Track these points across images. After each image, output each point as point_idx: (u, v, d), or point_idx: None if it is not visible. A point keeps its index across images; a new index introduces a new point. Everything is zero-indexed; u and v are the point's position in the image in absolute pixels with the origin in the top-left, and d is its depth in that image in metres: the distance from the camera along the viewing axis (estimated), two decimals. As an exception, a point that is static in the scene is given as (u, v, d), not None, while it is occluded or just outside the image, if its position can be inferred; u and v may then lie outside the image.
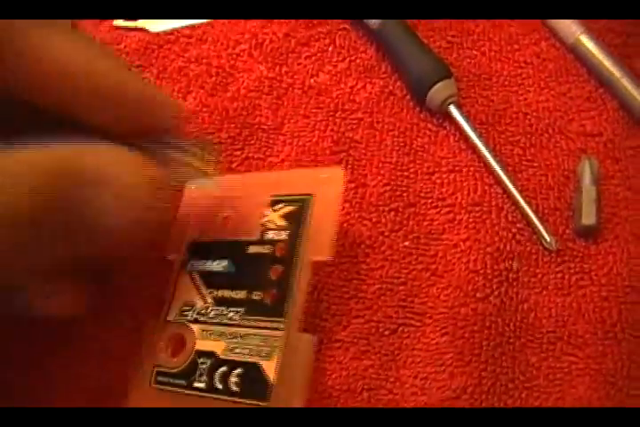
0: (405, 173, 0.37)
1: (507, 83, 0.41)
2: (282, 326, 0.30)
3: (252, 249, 0.33)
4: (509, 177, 0.37)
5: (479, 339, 0.33)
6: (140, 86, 0.27)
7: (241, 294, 0.32)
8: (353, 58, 0.41)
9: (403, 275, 0.35)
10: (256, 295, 0.32)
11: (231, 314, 0.32)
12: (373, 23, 0.41)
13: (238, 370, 0.30)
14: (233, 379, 0.30)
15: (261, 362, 0.30)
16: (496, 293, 0.34)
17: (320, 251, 0.31)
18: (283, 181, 0.34)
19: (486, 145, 0.38)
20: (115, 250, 0.28)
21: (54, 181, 0.23)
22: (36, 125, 0.25)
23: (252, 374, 0.30)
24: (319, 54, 0.41)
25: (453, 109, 0.38)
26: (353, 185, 0.37)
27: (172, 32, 0.43)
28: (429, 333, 0.33)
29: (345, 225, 0.36)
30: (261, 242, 0.33)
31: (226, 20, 0.43)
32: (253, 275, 0.32)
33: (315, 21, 0.43)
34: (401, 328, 0.34)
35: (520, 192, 0.37)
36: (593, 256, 0.36)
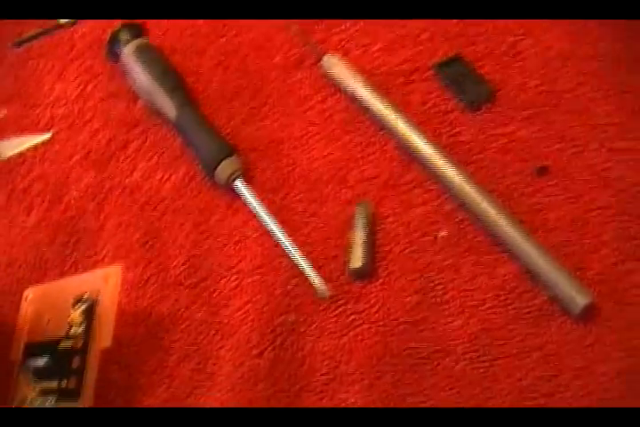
0: (201, 251, 0.46)
1: (296, 144, 0.49)
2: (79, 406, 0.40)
3: (62, 344, 0.43)
4: (289, 236, 0.44)
5: (260, 391, 0.41)
6: None
7: (54, 384, 0.42)
8: (162, 151, 0.50)
9: (198, 341, 0.43)
10: (64, 383, 0.42)
11: (48, 403, 0.42)
12: (172, 116, 0.49)
13: None
14: None
15: None
16: (270, 347, 0.42)
17: (105, 340, 0.42)
18: (82, 281, 0.44)
19: (269, 211, 0.45)
20: None
21: None
22: None
23: None
24: (134, 154, 0.51)
25: (238, 184, 0.47)
26: (155, 270, 0.45)
27: (19, 155, 0.54)
28: (217, 392, 0.41)
29: (148, 307, 0.44)
30: (68, 337, 0.43)
31: (64, 135, 0.53)
32: (63, 366, 0.42)
33: (131, 123, 0.52)
34: (195, 390, 0.42)
35: (299, 248, 0.44)
36: (366, 296, 0.42)
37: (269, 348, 0.42)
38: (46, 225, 0.51)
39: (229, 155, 0.47)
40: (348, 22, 0.53)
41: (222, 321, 0.43)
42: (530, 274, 0.42)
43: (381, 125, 0.48)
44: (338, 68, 0.50)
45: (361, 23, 0.53)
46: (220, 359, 0.42)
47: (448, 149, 0.46)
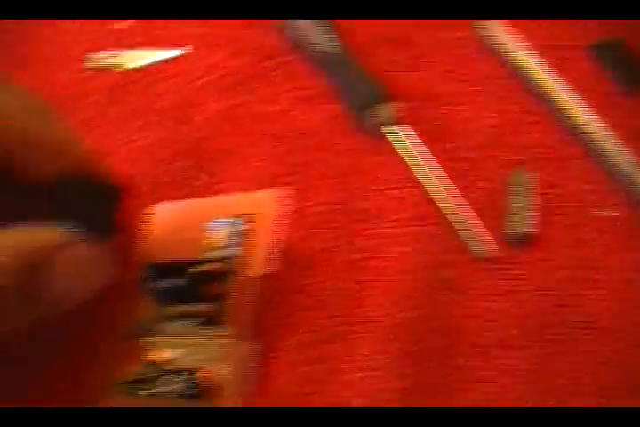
0: (349, 193, 0.44)
1: (451, 101, 0.47)
2: (228, 334, 0.38)
3: (203, 267, 0.40)
4: (446, 190, 0.43)
5: (413, 344, 0.39)
6: (54, 132, 0.34)
7: (194, 308, 0.39)
8: (304, 86, 0.48)
9: (347, 286, 0.41)
10: (208, 308, 0.39)
11: (185, 327, 0.39)
12: (324, 49, 0.47)
13: (192, 375, 0.38)
14: (185, 384, 0.37)
15: (211, 368, 0.37)
16: (430, 301, 0.40)
17: (261, 265, 0.39)
18: (228, 204, 0.42)
19: (424, 161, 0.44)
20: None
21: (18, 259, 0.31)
22: None
23: (204, 380, 0.37)
24: (273, 84, 0.49)
25: (391, 130, 0.45)
26: (299, 206, 0.43)
27: (143, 68, 0.51)
28: (366, 339, 0.40)
29: (297, 243, 0.42)
30: (209, 260, 0.40)
31: (197, 55, 0.50)
32: (205, 290, 0.39)
33: (273, 52, 0.49)
34: (342, 335, 0.40)
35: (456, 204, 0.43)
36: (526, 262, 0.42)
37: (429, 301, 0.40)
38: (169, 144, 0.48)
39: (386, 99, 0.45)
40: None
41: (376, 267, 0.42)
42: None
43: (541, 96, 0.47)
44: (497, 32, 0.49)
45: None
46: (370, 307, 0.41)
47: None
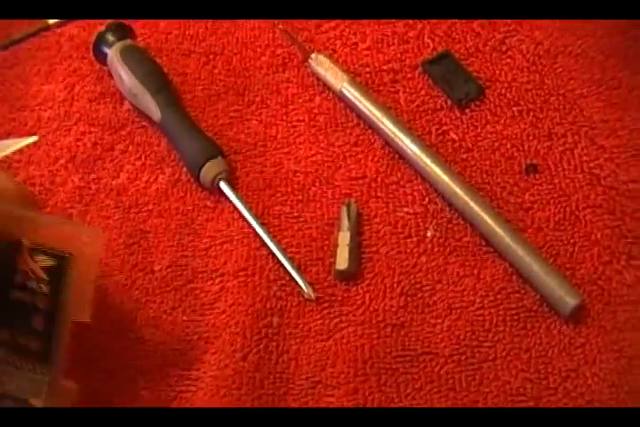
0: (185, 253, 0.45)
1: (282, 144, 0.48)
2: (47, 371, 0.37)
3: (15, 294, 0.38)
4: (274, 237, 0.44)
5: (244, 394, 0.41)
6: None
7: (6, 335, 0.38)
8: (148, 153, 0.50)
9: (182, 346, 0.43)
10: (21, 340, 0.38)
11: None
12: (157, 117, 0.49)
13: (9, 402, 0.37)
14: (5, 405, 0.37)
15: (31, 400, 0.37)
16: (255, 350, 0.41)
17: (81, 313, 0.39)
18: (47, 228, 0.40)
19: (253, 212, 0.45)
20: None
21: None
22: None
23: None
24: (120, 156, 0.51)
25: (223, 185, 0.46)
26: (142, 273, 0.45)
27: (3, 159, 0.54)
28: (202, 395, 0.41)
29: (133, 310, 0.44)
30: (23, 289, 0.38)
31: (50, 138, 0.53)
32: (16, 319, 0.38)
33: (117, 126, 0.52)
34: (180, 395, 0.42)
35: (284, 249, 0.44)
36: (352, 298, 0.42)
37: (254, 351, 0.41)
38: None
39: (215, 156, 0.47)
40: (334, 22, 0.53)
41: (207, 324, 0.43)
42: (518, 274, 0.42)
43: (368, 124, 0.48)
44: (325, 66, 0.50)
45: (347, 22, 0.53)
46: (204, 363, 0.42)
47: (436, 148, 0.46)
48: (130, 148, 0.51)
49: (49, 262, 0.38)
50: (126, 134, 0.52)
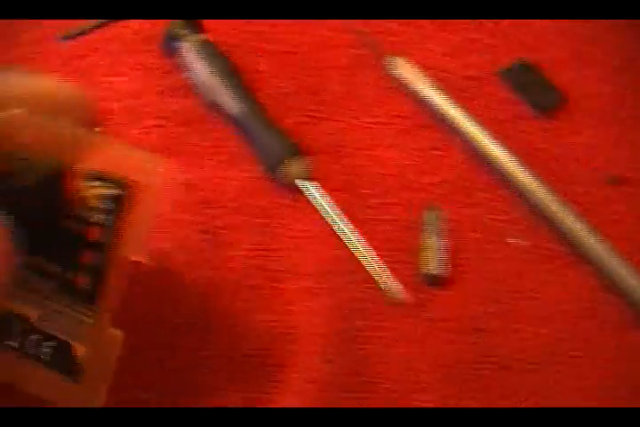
0: (263, 252, 0.45)
1: (361, 146, 0.48)
2: (93, 314, 0.34)
3: (65, 223, 0.34)
4: (359, 239, 0.44)
5: (331, 396, 0.40)
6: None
7: (54, 268, 0.34)
8: (221, 148, 0.50)
9: (262, 346, 0.42)
10: (69, 274, 0.34)
11: (44, 285, 0.34)
12: (234, 113, 0.49)
13: (51, 342, 0.34)
14: (45, 349, 0.34)
15: (73, 343, 0.34)
16: (342, 352, 0.41)
17: (137, 250, 0.33)
18: (105, 152, 0.34)
19: (337, 212, 0.45)
20: None
21: None
22: None
23: (63, 351, 0.34)
24: (192, 151, 0.50)
25: (304, 184, 0.46)
26: (217, 271, 0.45)
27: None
28: (287, 398, 0.41)
29: (209, 307, 0.43)
30: (74, 217, 0.34)
31: (116, 131, 0.53)
32: (64, 251, 0.34)
33: (188, 120, 0.51)
34: (264, 396, 0.41)
35: (370, 251, 0.43)
36: (439, 302, 0.42)
37: (341, 353, 0.41)
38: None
39: (295, 154, 0.47)
40: (408, 25, 0.53)
41: (289, 325, 0.43)
42: (607, 283, 0.42)
43: (450, 129, 0.48)
44: (404, 69, 0.50)
45: (421, 27, 0.53)
46: (287, 365, 0.42)
47: (518, 155, 0.46)
48: (202, 142, 0.51)
49: (105, 190, 0.34)
50: (198, 129, 0.51)
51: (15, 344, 0.35)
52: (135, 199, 0.33)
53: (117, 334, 0.34)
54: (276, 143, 0.47)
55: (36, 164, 0.32)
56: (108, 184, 0.34)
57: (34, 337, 0.35)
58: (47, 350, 0.34)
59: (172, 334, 0.43)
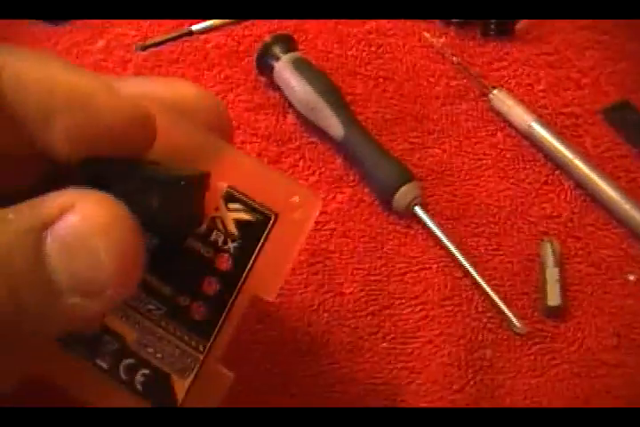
0: (378, 277, 0.44)
1: (468, 177, 0.48)
2: (203, 348, 0.30)
3: (192, 244, 0.30)
4: (476, 268, 0.44)
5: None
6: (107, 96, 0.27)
7: (166, 290, 0.30)
8: (322, 170, 0.49)
9: (383, 375, 0.41)
10: (183, 301, 0.30)
11: (151, 306, 0.30)
12: (338, 135, 0.48)
13: (146, 371, 0.31)
14: (139, 378, 0.31)
15: (173, 376, 0.30)
16: (472, 382, 0.41)
17: (266, 288, 0.29)
18: (250, 173, 0.30)
19: (451, 240, 0.45)
20: None
21: None
22: None
23: (161, 384, 0.30)
24: (290, 170, 0.49)
25: (419, 210, 0.46)
26: (330, 294, 0.44)
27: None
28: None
29: (324, 332, 0.42)
30: (204, 240, 0.30)
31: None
32: (184, 274, 0.30)
33: (283, 138, 0.50)
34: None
35: (487, 281, 0.44)
36: (562, 335, 0.42)
37: (470, 383, 0.41)
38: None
39: (409, 180, 0.46)
40: (507, 61, 0.54)
41: (412, 353, 0.42)
42: None
43: (557, 165, 0.48)
44: (508, 103, 0.50)
45: (519, 63, 0.54)
46: (411, 394, 0.41)
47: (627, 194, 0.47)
48: (301, 162, 0.50)
49: (245, 216, 0.29)
50: (295, 148, 0.51)
51: (104, 365, 0.31)
52: (279, 232, 0.29)
53: (228, 375, 0.30)
54: (390, 168, 0.47)
55: (170, 169, 0.29)
56: (248, 209, 0.29)
57: (129, 361, 0.31)
58: (141, 378, 0.31)
59: (289, 361, 0.42)
